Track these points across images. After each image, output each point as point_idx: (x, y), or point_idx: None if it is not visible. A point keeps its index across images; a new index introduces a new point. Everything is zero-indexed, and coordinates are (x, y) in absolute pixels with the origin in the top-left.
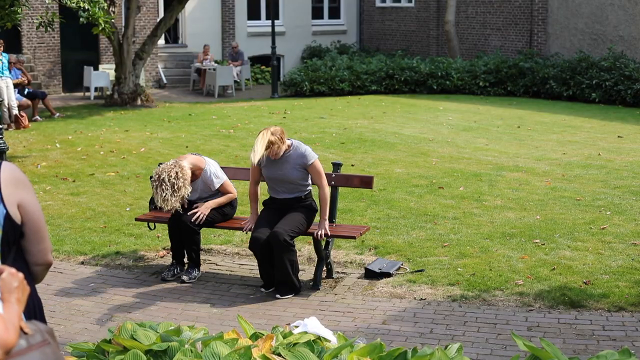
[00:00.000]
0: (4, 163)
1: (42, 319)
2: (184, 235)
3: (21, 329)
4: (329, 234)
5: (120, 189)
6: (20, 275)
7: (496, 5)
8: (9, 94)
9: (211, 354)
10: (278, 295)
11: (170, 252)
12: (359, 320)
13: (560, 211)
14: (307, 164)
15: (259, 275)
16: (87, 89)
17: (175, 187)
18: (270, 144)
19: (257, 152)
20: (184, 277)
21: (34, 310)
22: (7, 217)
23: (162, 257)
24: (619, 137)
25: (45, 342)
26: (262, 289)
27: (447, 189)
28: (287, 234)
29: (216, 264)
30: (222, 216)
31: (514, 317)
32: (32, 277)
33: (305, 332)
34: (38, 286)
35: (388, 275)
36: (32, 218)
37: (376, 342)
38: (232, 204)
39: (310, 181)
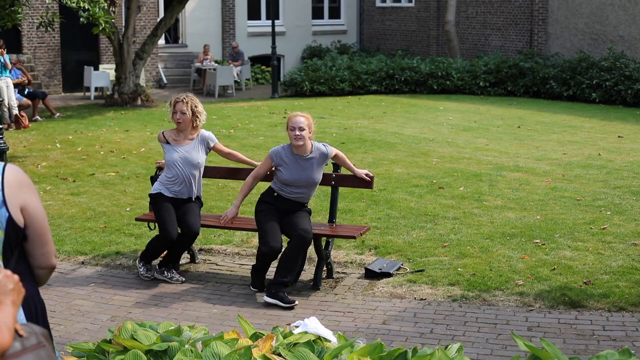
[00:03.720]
0: (8, 165)
1: (45, 322)
2: None
3: (16, 331)
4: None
5: (120, 189)
6: (16, 277)
7: (496, 5)
8: (9, 93)
9: (211, 354)
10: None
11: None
12: (359, 320)
13: (560, 211)
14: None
15: None
16: (87, 89)
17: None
18: (307, 120)
19: (297, 113)
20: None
21: (36, 313)
22: (10, 220)
23: (162, 257)
24: (619, 137)
25: (40, 344)
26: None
27: (448, 189)
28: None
29: (216, 264)
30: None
31: (514, 317)
32: (36, 280)
33: (306, 332)
34: None
35: (388, 275)
36: (36, 221)
37: (376, 342)
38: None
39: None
